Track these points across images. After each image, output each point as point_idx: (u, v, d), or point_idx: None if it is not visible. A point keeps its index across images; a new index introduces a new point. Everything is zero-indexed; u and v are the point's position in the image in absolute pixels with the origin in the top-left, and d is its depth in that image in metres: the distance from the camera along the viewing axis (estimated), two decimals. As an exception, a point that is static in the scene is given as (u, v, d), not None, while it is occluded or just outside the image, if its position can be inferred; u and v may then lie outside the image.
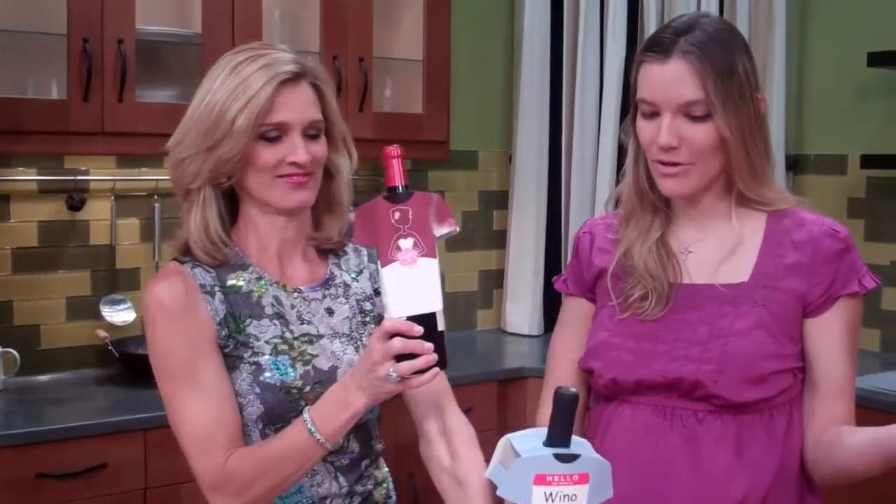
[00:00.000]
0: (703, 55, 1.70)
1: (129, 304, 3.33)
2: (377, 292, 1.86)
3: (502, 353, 3.95)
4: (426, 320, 1.56)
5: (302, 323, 1.80)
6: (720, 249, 1.82)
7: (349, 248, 1.92)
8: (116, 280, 3.36)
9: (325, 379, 1.76)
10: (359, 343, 1.83)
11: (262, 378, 1.74)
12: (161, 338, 1.73)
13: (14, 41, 3.03)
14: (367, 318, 1.87)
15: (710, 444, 1.75)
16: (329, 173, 1.83)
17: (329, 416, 1.65)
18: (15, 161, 3.21)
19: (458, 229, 1.64)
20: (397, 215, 1.59)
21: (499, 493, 1.38)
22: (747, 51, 1.78)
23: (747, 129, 1.73)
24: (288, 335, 1.78)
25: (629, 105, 1.83)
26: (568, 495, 1.35)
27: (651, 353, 1.79)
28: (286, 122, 1.73)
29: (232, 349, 1.75)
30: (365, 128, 3.37)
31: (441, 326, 1.58)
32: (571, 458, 1.36)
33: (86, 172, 3.29)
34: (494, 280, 4.22)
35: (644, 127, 1.77)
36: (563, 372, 1.92)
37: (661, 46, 1.73)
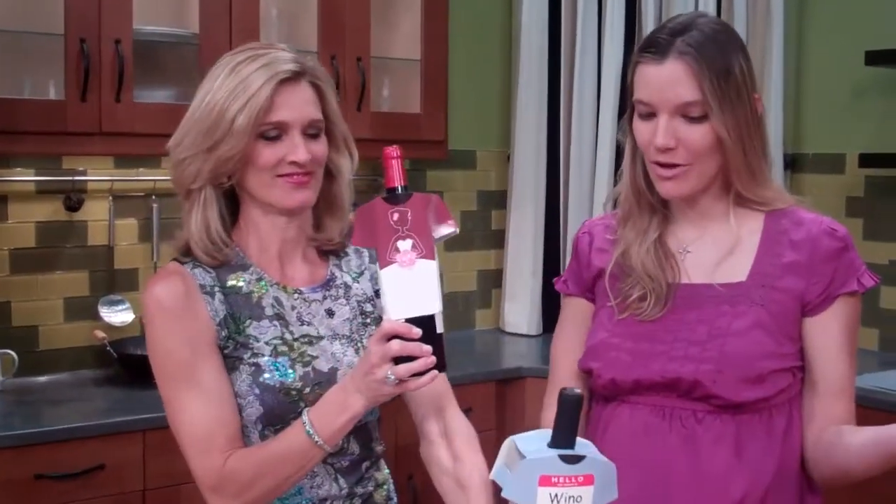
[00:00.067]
0: (699, 56, 1.70)
1: (127, 305, 3.32)
2: (378, 294, 1.86)
3: (501, 353, 3.94)
4: (425, 322, 1.56)
5: (302, 324, 1.80)
6: (718, 249, 1.82)
7: (350, 249, 1.91)
8: (114, 280, 3.36)
9: (324, 380, 1.76)
10: (359, 345, 1.83)
11: (261, 379, 1.74)
12: (160, 338, 1.73)
13: (11, 41, 3.03)
14: (368, 320, 1.87)
15: (709, 444, 1.75)
16: (330, 173, 1.83)
17: (327, 419, 1.64)
18: (12, 161, 3.21)
19: (457, 231, 1.64)
20: (396, 216, 1.58)
21: (504, 494, 1.38)
22: (744, 51, 1.78)
23: (744, 129, 1.73)
24: (288, 336, 1.78)
25: (627, 104, 1.83)
26: (573, 497, 1.35)
27: (650, 353, 1.79)
28: (286, 121, 1.73)
29: (231, 350, 1.75)
30: (363, 128, 3.37)
31: (440, 328, 1.57)
32: (576, 459, 1.35)
33: (83, 173, 3.29)
34: (493, 280, 4.22)
35: (641, 128, 1.77)
36: (565, 373, 1.92)
37: (657, 47, 1.73)
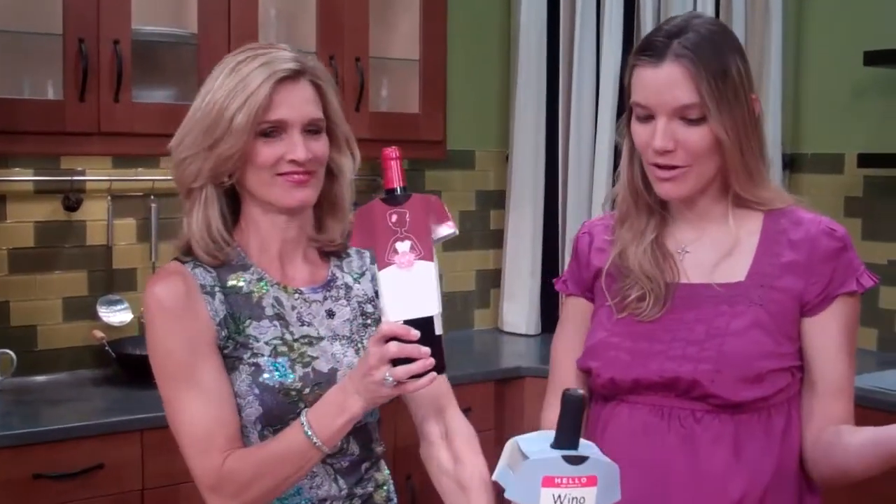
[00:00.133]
0: (696, 58, 1.70)
1: (125, 305, 3.32)
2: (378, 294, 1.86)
3: (500, 353, 3.94)
4: (423, 324, 1.56)
5: (302, 324, 1.80)
6: (717, 250, 1.82)
7: (352, 250, 1.91)
8: (113, 280, 3.36)
9: (324, 381, 1.75)
10: (359, 345, 1.83)
11: (261, 379, 1.74)
12: (161, 338, 1.73)
13: (10, 41, 3.02)
14: (369, 321, 1.87)
15: (707, 444, 1.75)
16: (331, 174, 1.83)
17: (326, 420, 1.64)
18: (11, 161, 3.21)
19: (456, 232, 1.63)
20: (394, 218, 1.58)
21: (506, 495, 1.38)
22: (740, 51, 1.77)
23: (742, 130, 1.73)
24: (288, 337, 1.78)
25: (625, 105, 1.83)
26: (576, 498, 1.34)
27: (648, 353, 1.79)
28: (285, 119, 1.73)
29: (231, 350, 1.75)
30: (361, 128, 3.37)
31: (439, 330, 1.57)
32: (580, 460, 1.35)
33: (82, 173, 3.29)
34: (492, 280, 4.22)
35: (639, 130, 1.77)
36: (565, 372, 1.92)
37: (653, 50, 1.73)
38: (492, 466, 1.46)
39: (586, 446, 1.38)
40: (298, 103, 1.74)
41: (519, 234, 4.06)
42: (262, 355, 1.75)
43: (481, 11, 4.11)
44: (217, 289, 1.76)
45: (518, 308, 4.07)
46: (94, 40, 2.95)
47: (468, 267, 4.17)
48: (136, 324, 3.32)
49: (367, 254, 1.92)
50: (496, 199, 4.20)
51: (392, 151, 1.62)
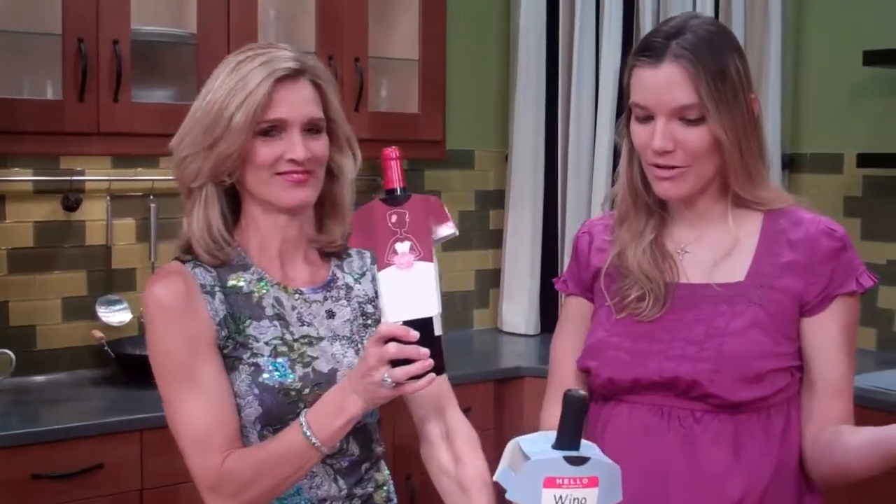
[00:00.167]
0: (694, 58, 1.70)
1: (125, 305, 3.32)
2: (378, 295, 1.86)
3: (499, 353, 3.94)
4: (422, 325, 1.55)
5: (302, 325, 1.80)
6: (716, 250, 1.81)
7: (353, 250, 1.91)
8: (112, 280, 3.36)
9: (324, 381, 1.75)
10: (359, 346, 1.83)
11: (260, 379, 1.73)
12: (160, 338, 1.73)
13: (9, 41, 3.02)
14: (369, 321, 1.86)
15: (707, 444, 1.75)
16: (332, 174, 1.83)
17: (325, 420, 1.64)
18: (10, 161, 3.21)
19: (456, 233, 1.63)
20: (394, 218, 1.57)
21: (508, 496, 1.37)
22: (739, 51, 1.77)
23: (741, 130, 1.73)
24: (288, 337, 1.78)
25: (625, 105, 1.82)
26: (578, 498, 1.34)
27: (647, 353, 1.79)
28: (283, 118, 1.73)
29: (231, 350, 1.75)
30: (361, 128, 3.36)
31: (438, 331, 1.57)
32: (581, 460, 1.35)
33: (81, 173, 3.28)
34: (491, 279, 4.22)
35: (638, 131, 1.77)
36: (565, 372, 1.92)
37: (652, 51, 1.73)
38: (491, 466, 1.46)
39: (588, 447, 1.38)
40: (298, 103, 1.74)
41: (518, 234, 4.06)
42: (262, 355, 1.75)
43: (481, 11, 4.11)
44: (217, 288, 1.76)
45: (517, 308, 4.07)
46: (94, 40, 2.95)
47: (467, 267, 4.17)
48: (135, 324, 3.32)
49: (368, 254, 1.92)
50: (495, 199, 4.20)
51: (392, 152, 1.62)
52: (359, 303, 1.87)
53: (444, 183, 4.06)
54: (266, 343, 1.76)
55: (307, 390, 1.75)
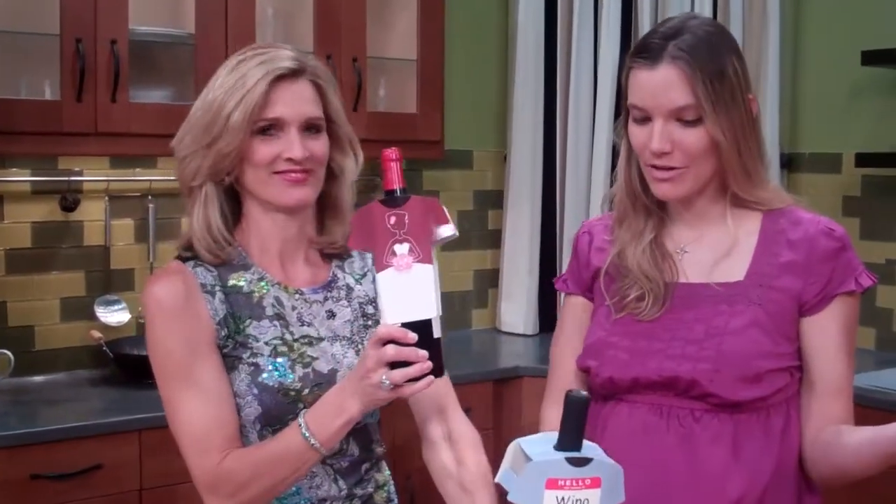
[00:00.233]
0: (692, 59, 1.70)
1: (123, 305, 3.32)
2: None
3: (498, 353, 3.94)
4: (421, 327, 1.54)
5: (302, 325, 1.80)
6: (715, 250, 1.81)
7: (355, 251, 1.91)
8: (111, 281, 3.35)
9: (324, 382, 1.75)
10: (360, 347, 1.82)
11: (260, 379, 1.73)
12: (160, 337, 1.73)
13: (7, 42, 3.02)
14: (370, 322, 1.86)
15: (706, 444, 1.75)
16: (333, 175, 1.83)
17: (324, 421, 1.64)
18: (8, 162, 3.20)
19: (456, 234, 1.62)
20: (393, 220, 1.57)
21: (510, 498, 1.37)
22: (737, 51, 1.77)
23: (739, 131, 1.73)
24: (288, 337, 1.78)
25: (623, 104, 1.82)
26: (580, 500, 1.34)
27: (647, 352, 1.79)
28: (281, 117, 1.73)
29: (231, 349, 1.75)
30: (359, 128, 3.32)
31: (437, 333, 1.56)
32: (583, 461, 1.35)
33: (79, 173, 3.28)
34: (489, 279, 4.22)
35: (636, 132, 1.77)
36: (564, 371, 1.92)
37: (649, 52, 1.73)
38: (490, 466, 1.45)
39: (590, 448, 1.38)
40: (296, 102, 1.74)
41: (517, 234, 4.06)
42: (262, 355, 1.75)
43: (479, 11, 4.11)
44: (217, 288, 1.76)
45: (516, 308, 4.07)
46: (92, 40, 2.95)
47: (466, 267, 4.17)
48: (133, 324, 3.32)
49: (370, 255, 1.91)
50: (494, 199, 4.19)
51: (392, 153, 1.61)
52: (359, 303, 1.87)
53: (443, 183, 4.06)
54: (266, 343, 1.76)
55: (307, 391, 1.74)
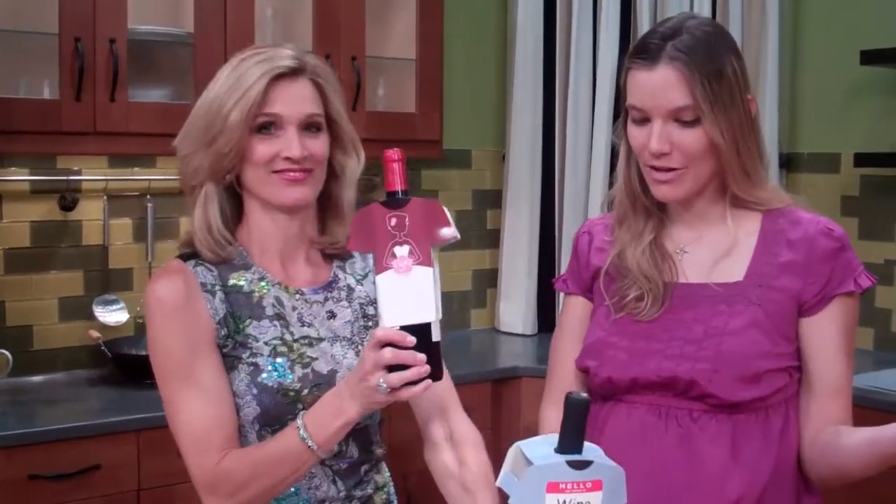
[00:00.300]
0: (690, 60, 1.70)
1: (121, 305, 3.32)
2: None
3: (496, 353, 3.94)
4: (420, 330, 1.53)
5: (303, 325, 1.80)
6: (715, 250, 1.81)
7: (356, 252, 1.90)
8: (109, 280, 3.35)
9: (323, 382, 1.75)
10: (360, 347, 1.82)
11: (259, 379, 1.73)
12: (160, 336, 1.73)
13: (6, 40, 3.02)
14: (370, 323, 1.85)
15: (705, 444, 1.75)
16: (334, 175, 1.82)
17: (322, 423, 1.63)
18: (7, 161, 3.20)
19: (458, 237, 1.60)
20: (394, 221, 1.55)
21: (511, 502, 1.36)
22: (736, 52, 1.77)
23: (738, 131, 1.73)
24: (288, 337, 1.77)
25: (622, 104, 1.82)
26: (582, 503, 1.34)
27: (646, 352, 1.79)
28: (280, 115, 1.73)
29: (230, 349, 1.74)
30: (358, 127, 3.31)
31: (436, 336, 1.54)
32: (584, 464, 1.34)
33: (78, 172, 3.28)
34: (488, 279, 4.21)
35: (635, 133, 1.77)
36: (564, 371, 1.92)
37: (648, 52, 1.73)
38: (496, 470, 1.45)
39: (591, 450, 1.37)
40: (295, 100, 1.74)
41: (515, 234, 4.06)
42: (262, 355, 1.75)
43: (478, 11, 4.11)
44: (218, 287, 1.76)
45: (514, 308, 4.07)
46: (91, 39, 2.95)
47: (464, 267, 4.17)
48: (132, 324, 3.32)
49: (371, 255, 1.91)
50: (493, 199, 4.19)
51: (395, 153, 1.59)
52: (360, 304, 1.87)
53: (442, 182, 4.06)
54: (266, 343, 1.76)
55: (306, 391, 1.74)
